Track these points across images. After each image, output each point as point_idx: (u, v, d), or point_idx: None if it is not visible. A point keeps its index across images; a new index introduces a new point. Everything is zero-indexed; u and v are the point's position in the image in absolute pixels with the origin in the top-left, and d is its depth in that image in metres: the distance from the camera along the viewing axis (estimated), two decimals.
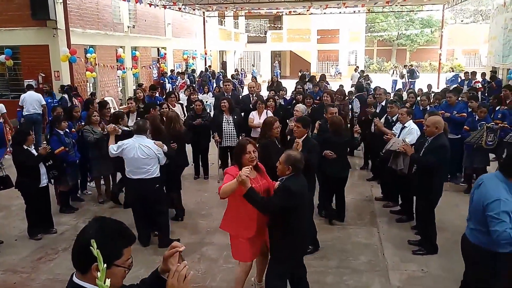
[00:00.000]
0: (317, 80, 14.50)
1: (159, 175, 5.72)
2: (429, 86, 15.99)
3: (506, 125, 7.36)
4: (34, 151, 6.13)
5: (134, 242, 1.90)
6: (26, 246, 5.91)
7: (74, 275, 1.84)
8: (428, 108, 8.37)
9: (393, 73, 24.63)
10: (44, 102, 11.37)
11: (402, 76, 23.33)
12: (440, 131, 5.30)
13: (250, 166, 3.88)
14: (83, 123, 7.50)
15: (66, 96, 12.05)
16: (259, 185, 3.96)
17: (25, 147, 6.02)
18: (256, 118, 8.28)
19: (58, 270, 5.26)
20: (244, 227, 4.03)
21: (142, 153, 5.55)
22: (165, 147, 5.81)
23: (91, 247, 1.56)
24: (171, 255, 1.96)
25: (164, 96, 11.70)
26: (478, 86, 14.60)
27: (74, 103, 10.78)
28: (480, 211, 3.49)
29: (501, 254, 3.46)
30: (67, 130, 7.02)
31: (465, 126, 7.83)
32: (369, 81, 18.53)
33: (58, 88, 12.71)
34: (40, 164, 6.12)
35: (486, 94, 13.57)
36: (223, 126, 8.11)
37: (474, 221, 3.65)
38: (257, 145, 4.26)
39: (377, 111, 8.36)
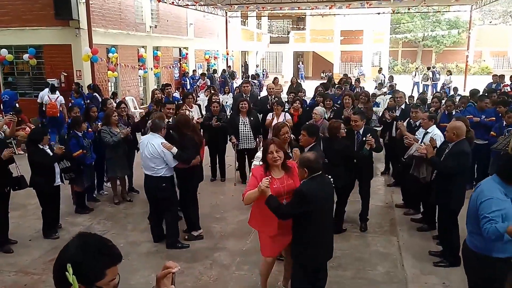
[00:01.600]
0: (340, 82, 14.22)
1: (168, 175, 5.69)
2: (455, 89, 15.55)
3: None
4: (49, 151, 6.12)
5: (120, 262, 1.73)
6: (39, 247, 5.90)
7: None
8: (453, 113, 8.06)
9: (415, 75, 23.99)
10: (63, 101, 11.52)
11: (427, 78, 22.78)
12: (460, 138, 5.07)
13: (270, 175, 3.98)
14: (99, 123, 7.47)
15: (97, 94, 12.13)
16: (283, 186, 3.99)
17: (41, 147, 6.01)
18: (274, 120, 8.12)
19: None
20: (267, 224, 4.12)
21: (149, 151, 5.58)
22: (174, 149, 5.60)
23: (66, 273, 1.44)
24: (164, 276, 1.79)
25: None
26: (507, 89, 14.06)
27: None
28: (475, 213, 3.52)
29: (495, 260, 3.48)
30: (84, 131, 7.01)
31: (491, 132, 7.51)
32: (393, 83, 18.15)
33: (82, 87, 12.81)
34: (55, 164, 6.13)
35: None
36: (240, 128, 7.97)
37: (470, 224, 3.66)
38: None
39: (397, 114, 8.10)
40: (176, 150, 5.61)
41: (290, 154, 5.25)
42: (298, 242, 3.89)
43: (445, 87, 20.62)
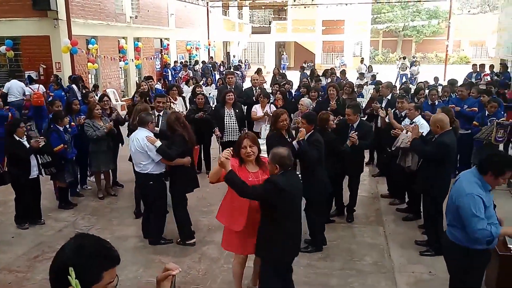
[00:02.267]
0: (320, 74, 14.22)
1: (155, 172, 5.49)
2: (436, 79, 15.71)
3: None
4: (26, 143, 6.04)
5: (118, 264, 1.68)
6: (22, 244, 5.77)
7: None
8: (436, 103, 8.14)
9: (399, 66, 24.12)
10: (28, 92, 11.41)
11: (405, 68, 22.94)
12: (444, 130, 5.12)
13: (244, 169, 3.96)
14: (82, 116, 7.32)
15: (74, 86, 11.90)
16: (258, 180, 3.89)
17: (17, 139, 5.94)
18: (259, 112, 8.08)
19: None
20: (234, 220, 4.01)
21: (134, 146, 5.42)
22: (158, 143, 5.32)
23: (69, 276, 1.39)
24: (164, 278, 1.76)
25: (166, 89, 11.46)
26: (487, 79, 14.28)
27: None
28: (455, 206, 3.56)
29: (475, 251, 3.53)
30: (66, 125, 6.87)
31: (474, 122, 7.62)
32: (374, 73, 18.29)
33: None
34: (31, 156, 6.07)
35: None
36: (225, 120, 7.90)
37: (450, 216, 3.70)
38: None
39: (383, 105, 8.13)
40: (160, 144, 5.34)
41: (289, 140, 5.33)
42: (267, 238, 3.77)
43: (412, 77, 20.87)
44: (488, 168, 3.47)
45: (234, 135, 7.90)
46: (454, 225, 3.65)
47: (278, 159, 3.68)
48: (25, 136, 6.12)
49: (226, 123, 7.89)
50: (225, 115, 7.90)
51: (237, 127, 7.93)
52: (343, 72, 14.44)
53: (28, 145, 6.02)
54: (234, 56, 30.66)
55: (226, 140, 7.96)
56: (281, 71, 17.67)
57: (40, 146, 6.10)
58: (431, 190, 5.23)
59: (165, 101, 7.38)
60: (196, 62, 22.25)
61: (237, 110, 7.99)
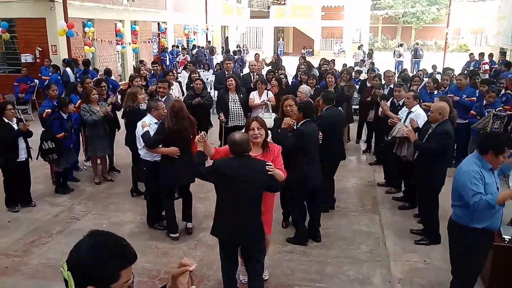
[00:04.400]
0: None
1: (147, 158, 5.51)
2: (434, 67, 15.63)
3: None
4: (15, 125, 6.04)
5: (135, 261, 1.63)
6: (19, 228, 5.78)
7: None
8: (435, 92, 8.12)
9: (395, 53, 23.94)
10: None
11: (399, 55, 22.80)
12: (445, 118, 5.12)
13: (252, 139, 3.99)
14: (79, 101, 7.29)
15: (68, 69, 11.79)
16: None
17: (6, 121, 5.95)
18: (257, 98, 8.02)
19: (51, 254, 5.14)
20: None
21: (135, 131, 5.53)
22: (146, 128, 5.25)
23: (61, 268, 1.38)
24: (180, 274, 1.67)
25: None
26: (485, 68, 14.21)
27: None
28: (455, 185, 3.75)
29: (473, 229, 3.66)
30: (70, 112, 6.85)
31: (471, 111, 7.62)
32: (372, 60, 18.15)
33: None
34: (20, 139, 6.05)
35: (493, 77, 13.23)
36: (230, 106, 7.85)
37: (452, 196, 3.86)
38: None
39: (385, 93, 8.11)
40: (147, 130, 5.26)
41: (294, 127, 5.25)
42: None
43: (417, 64, 20.76)
44: (488, 147, 3.57)
45: (239, 120, 7.84)
46: (454, 204, 3.82)
47: (229, 143, 3.82)
48: (15, 119, 6.12)
49: (231, 109, 7.84)
50: (230, 100, 7.86)
51: (242, 112, 7.90)
52: (333, 62, 14.02)
53: (16, 127, 6.02)
54: (244, 45, 29.70)
55: (232, 125, 7.88)
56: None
57: (23, 130, 6.06)
58: (430, 182, 5.22)
59: (166, 86, 7.29)
60: (194, 47, 22.06)
61: (241, 95, 7.95)
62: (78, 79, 10.46)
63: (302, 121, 5.19)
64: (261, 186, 3.81)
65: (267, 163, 3.82)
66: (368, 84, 9.32)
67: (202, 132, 4.01)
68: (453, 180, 3.84)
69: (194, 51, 21.05)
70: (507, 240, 4.24)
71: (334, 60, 14.64)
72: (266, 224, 4.06)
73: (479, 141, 3.78)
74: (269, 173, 3.77)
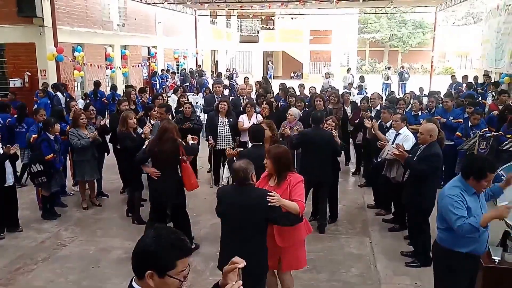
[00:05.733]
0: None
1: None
2: (421, 89, 15.85)
3: (501, 133, 7.20)
4: (0, 150, 6.00)
5: (191, 255, 1.93)
6: (3, 255, 5.64)
7: (133, 280, 1.91)
8: (420, 114, 8.23)
9: (382, 76, 24.31)
10: None
11: (387, 78, 23.15)
12: (434, 139, 5.16)
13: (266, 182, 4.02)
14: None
15: (59, 94, 11.77)
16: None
17: None
18: (246, 122, 8.06)
19: (36, 282, 5.02)
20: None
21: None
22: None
23: None
24: (230, 271, 1.97)
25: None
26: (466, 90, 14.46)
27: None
28: (439, 209, 3.71)
29: (457, 253, 3.62)
30: (57, 134, 6.80)
31: (457, 133, 7.71)
32: (362, 83, 18.38)
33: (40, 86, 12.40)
34: (6, 163, 5.98)
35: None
36: (219, 129, 7.90)
37: (438, 220, 3.81)
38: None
39: (372, 115, 8.19)
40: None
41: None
42: None
43: (403, 85, 21.05)
44: (470, 173, 3.57)
45: (227, 143, 7.89)
46: (439, 227, 3.79)
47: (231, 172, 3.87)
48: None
49: (220, 132, 7.90)
50: (219, 123, 7.91)
51: (230, 136, 7.94)
52: (301, 86, 13.66)
53: (1, 152, 5.97)
54: (234, 69, 29.75)
55: (220, 148, 7.92)
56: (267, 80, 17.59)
57: (12, 153, 6.03)
58: (420, 203, 5.23)
59: (163, 112, 7.19)
60: (184, 70, 22.22)
61: (231, 119, 8.01)
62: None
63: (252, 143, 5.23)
64: (259, 217, 3.55)
65: (268, 192, 3.52)
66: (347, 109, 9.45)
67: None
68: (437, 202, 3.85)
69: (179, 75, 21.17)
70: (497, 261, 4.23)
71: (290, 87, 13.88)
72: (288, 259, 4.06)
73: (462, 166, 3.79)
74: (269, 204, 3.45)
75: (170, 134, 5.41)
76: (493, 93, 11.78)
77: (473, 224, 3.40)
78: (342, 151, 6.81)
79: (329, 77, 21.19)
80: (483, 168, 3.53)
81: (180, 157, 5.54)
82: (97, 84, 11.15)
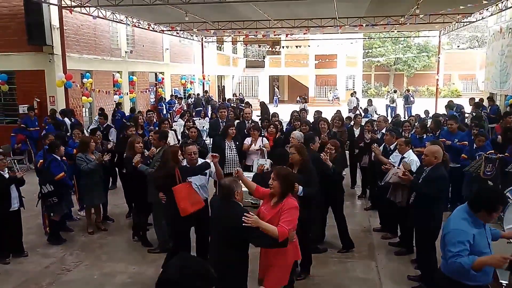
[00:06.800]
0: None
1: None
2: (426, 112, 15.90)
3: (506, 155, 7.18)
4: (6, 175, 6.04)
5: (215, 285, 1.93)
6: (8, 280, 5.65)
7: None
8: (424, 137, 8.22)
9: (387, 98, 24.46)
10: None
11: (392, 101, 23.23)
12: (439, 161, 5.14)
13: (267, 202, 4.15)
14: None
15: (67, 119, 11.93)
16: (262, 210, 4.09)
17: None
18: (252, 145, 8.15)
19: None
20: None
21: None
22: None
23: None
24: None
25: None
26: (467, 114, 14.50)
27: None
28: (442, 238, 3.56)
29: (464, 285, 3.41)
30: (63, 159, 6.91)
31: (462, 155, 7.69)
32: (368, 107, 18.49)
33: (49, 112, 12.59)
34: (12, 188, 6.04)
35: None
36: (226, 153, 7.94)
37: (441, 246, 3.65)
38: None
39: (378, 137, 8.22)
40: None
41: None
42: None
43: (409, 108, 21.07)
44: (481, 206, 3.41)
45: (234, 167, 7.90)
46: (443, 257, 3.62)
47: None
48: (6, 169, 6.15)
49: (227, 156, 7.93)
50: (226, 147, 7.96)
51: (237, 159, 8.01)
52: (304, 110, 13.62)
53: (7, 176, 6.02)
54: (240, 94, 29.82)
55: (226, 172, 7.93)
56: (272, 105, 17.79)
57: (18, 177, 6.10)
58: (428, 226, 5.16)
59: (156, 138, 7.12)
60: (190, 96, 22.50)
61: (237, 143, 8.09)
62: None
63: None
64: (233, 235, 3.68)
65: (245, 213, 3.61)
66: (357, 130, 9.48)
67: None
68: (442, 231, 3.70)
69: (190, 100, 21.44)
70: (504, 285, 4.18)
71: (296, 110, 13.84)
72: (269, 277, 4.04)
73: (472, 198, 3.55)
74: (243, 224, 3.54)
75: (165, 158, 5.53)
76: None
77: (464, 265, 3.25)
78: (341, 174, 6.68)
79: (354, 95, 21.67)
80: (496, 200, 3.42)
81: (181, 181, 5.28)
82: (117, 105, 11.90)
